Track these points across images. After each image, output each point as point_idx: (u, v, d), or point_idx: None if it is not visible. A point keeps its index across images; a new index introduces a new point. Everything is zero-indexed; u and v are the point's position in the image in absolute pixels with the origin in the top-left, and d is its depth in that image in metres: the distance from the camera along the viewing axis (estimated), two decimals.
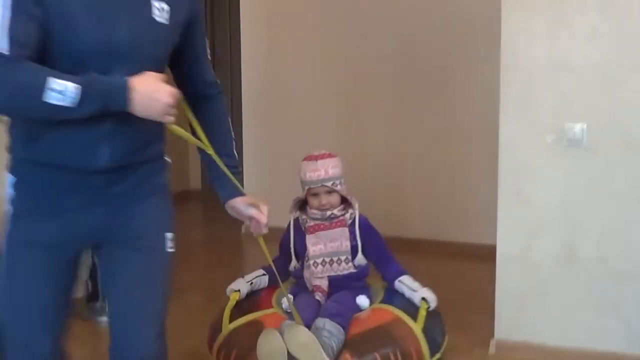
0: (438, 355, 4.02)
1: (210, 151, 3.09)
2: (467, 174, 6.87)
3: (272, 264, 3.53)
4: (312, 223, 4.24)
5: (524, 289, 4.67)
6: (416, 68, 6.98)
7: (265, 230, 3.13)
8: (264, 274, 4.42)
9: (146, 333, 2.89)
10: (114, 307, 2.93)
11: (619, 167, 4.41)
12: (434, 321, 4.14)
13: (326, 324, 3.78)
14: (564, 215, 4.53)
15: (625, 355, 4.50)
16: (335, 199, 4.21)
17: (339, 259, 4.20)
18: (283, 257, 4.37)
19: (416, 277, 4.21)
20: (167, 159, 3.07)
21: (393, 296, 4.23)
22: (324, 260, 4.20)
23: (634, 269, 4.44)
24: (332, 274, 4.20)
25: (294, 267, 4.35)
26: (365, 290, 4.25)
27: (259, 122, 7.72)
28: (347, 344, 3.81)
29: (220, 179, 3.15)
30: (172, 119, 2.64)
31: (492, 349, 4.73)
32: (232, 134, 3.22)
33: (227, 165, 3.12)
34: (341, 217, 4.22)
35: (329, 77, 7.34)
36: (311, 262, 4.20)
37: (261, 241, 3.28)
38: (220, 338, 4.08)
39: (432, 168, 7.03)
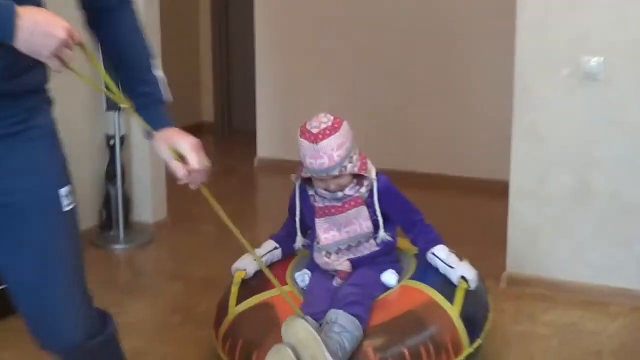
0: (479, 341, 3.47)
1: (125, 104, 2.47)
2: (480, 109, 6.84)
3: (235, 230, 2.85)
4: (320, 204, 3.56)
5: (536, 223, 4.67)
6: (425, 3, 6.93)
7: (200, 181, 2.53)
8: (275, 247, 3.78)
9: (65, 321, 2.42)
10: (18, 289, 2.41)
11: (635, 101, 4.38)
12: (475, 299, 3.56)
13: (339, 317, 3.17)
14: (578, 149, 4.51)
15: (636, 290, 4.51)
16: (345, 180, 3.47)
17: (358, 242, 3.56)
18: (292, 222, 3.78)
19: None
20: (50, 96, 2.53)
21: (426, 270, 3.60)
22: (339, 248, 3.56)
23: None
24: (352, 256, 3.57)
25: (302, 245, 3.76)
26: (394, 264, 3.66)
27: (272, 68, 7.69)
28: (369, 335, 3.24)
29: (141, 110, 2.55)
30: (58, 63, 2.13)
31: (503, 283, 4.74)
32: (150, 49, 2.60)
33: (145, 94, 2.55)
34: (355, 195, 3.52)
35: (341, 25, 7.28)
36: (323, 252, 3.58)
37: (205, 192, 2.61)
38: (226, 324, 3.51)
39: (444, 103, 6.99)
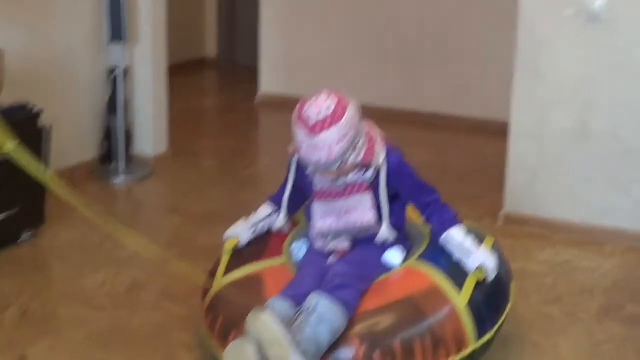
0: (488, 336, 3.03)
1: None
2: (483, 50, 6.82)
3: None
4: (319, 185, 3.15)
5: (535, 162, 4.68)
6: None
7: None
8: (275, 210, 3.37)
9: None
10: None
11: (636, 42, 4.36)
12: (491, 288, 3.11)
13: (319, 304, 2.80)
14: (579, 90, 4.51)
15: (631, 230, 4.54)
16: (348, 167, 3.03)
17: (359, 232, 3.16)
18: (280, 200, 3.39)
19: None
20: None
21: (438, 249, 3.16)
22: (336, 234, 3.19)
23: None
24: (351, 238, 3.19)
25: (284, 223, 3.38)
26: (401, 241, 3.22)
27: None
28: (358, 321, 2.87)
29: None
30: None
31: (500, 221, 4.77)
32: None
33: None
34: (360, 181, 3.09)
35: None
36: (318, 237, 3.22)
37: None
38: (210, 295, 3.18)
39: (447, 44, 6.97)
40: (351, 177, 3.06)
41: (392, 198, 3.13)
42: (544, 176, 4.69)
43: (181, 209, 4.99)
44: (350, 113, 2.94)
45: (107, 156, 5.56)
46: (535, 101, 4.61)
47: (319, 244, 3.19)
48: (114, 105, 5.47)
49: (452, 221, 3.14)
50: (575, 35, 4.45)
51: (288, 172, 3.26)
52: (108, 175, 5.46)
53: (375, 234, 3.14)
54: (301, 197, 3.30)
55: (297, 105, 2.98)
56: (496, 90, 6.12)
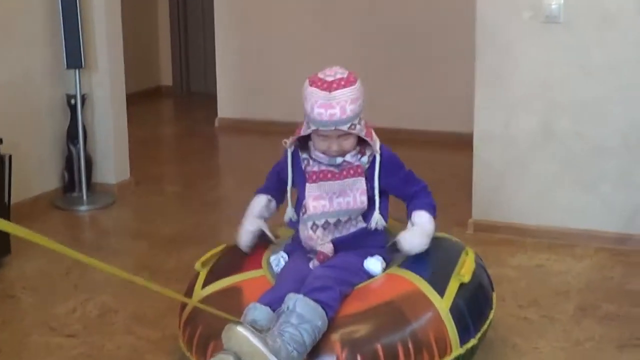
0: (472, 342, 2.99)
1: None
2: (446, 63, 6.84)
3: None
4: (315, 168, 3.12)
5: (502, 167, 4.68)
6: None
7: None
8: (269, 200, 3.33)
9: None
10: None
11: (595, 43, 4.39)
12: (474, 293, 3.11)
13: (297, 304, 2.74)
14: (541, 92, 4.53)
15: (601, 232, 4.55)
16: (350, 143, 3.06)
17: (349, 218, 3.12)
18: (273, 188, 3.35)
19: None
20: None
21: (419, 260, 3.11)
22: (327, 221, 3.10)
23: (610, 144, 4.46)
24: (338, 235, 3.13)
25: (290, 219, 3.26)
26: (382, 249, 3.17)
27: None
28: (340, 326, 2.81)
29: None
30: None
31: (469, 229, 4.76)
32: None
33: None
34: (356, 164, 3.11)
35: None
36: (309, 223, 3.11)
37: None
38: (187, 310, 3.11)
39: (410, 60, 6.98)
40: (349, 158, 3.07)
41: (380, 195, 3.13)
42: (511, 181, 4.69)
43: (148, 234, 4.92)
44: (360, 84, 3.05)
45: (69, 185, 5.48)
46: (498, 105, 4.62)
47: (309, 233, 3.10)
48: (74, 133, 5.40)
49: (426, 206, 3.16)
50: (535, 38, 4.48)
51: (283, 164, 3.22)
52: (71, 204, 5.38)
53: (357, 237, 3.12)
54: (285, 191, 3.28)
55: (308, 78, 3.05)
56: (463, 104, 6.10)
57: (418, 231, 3.13)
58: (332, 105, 2.94)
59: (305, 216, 3.12)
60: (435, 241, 3.20)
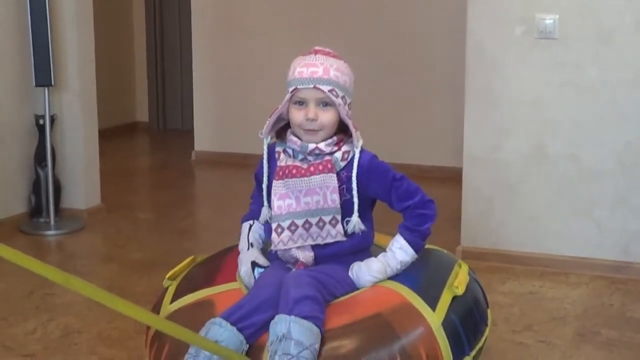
0: (467, 359, 2.72)
1: None
2: (431, 97, 6.67)
3: None
4: (283, 162, 2.78)
5: (491, 191, 4.47)
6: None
7: None
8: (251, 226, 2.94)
9: None
10: None
11: (591, 60, 4.22)
12: (468, 308, 2.86)
13: (292, 329, 2.41)
14: (534, 112, 4.33)
15: (596, 259, 4.33)
16: (329, 117, 2.72)
17: (320, 220, 2.74)
18: (257, 205, 2.96)
19: None
20: None
21: (408, 274, 2.81)
22: (293, 223, 2.74)
23: (604, 167, 4.26)
24: (311, 242, 2.75)
25: (267, 220, 2.86)
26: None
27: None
28: (322, 341, 2.50)
29: None
30: None
31: (457, 256, 4.52)
32: None
33: None
34: (327, 157, 2.75)
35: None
36: (274, 224, 2.76)
37: None
38: (153, 328, 2.78)
39: (396, 94, 6.82)
40: (322, 146, 2.72)
41: (362, 205, 2.78)
42: (501, 206, 4.48)
43: (118, 257, 4.67)
44: (349, 67, 2.82)
45: (36, 210, 5.22)
46: (489, 127, 4.42)
47: (276, 237, 2.75)
48: (42, 155, 5.15)
49: (409, 232, 2.78)
50: (527, 55, 4.30)
51: (260, 164, 2.86)
52: (38, 229, 5.11)
53: (339, 253, 2.77)
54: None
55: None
56: (452, 138, 5.92)
57: (375, 266, 2.74)
58: (315, 64, 2.73)
59: (270, 216, 2.80)
60: (426, 253, 2.91)
